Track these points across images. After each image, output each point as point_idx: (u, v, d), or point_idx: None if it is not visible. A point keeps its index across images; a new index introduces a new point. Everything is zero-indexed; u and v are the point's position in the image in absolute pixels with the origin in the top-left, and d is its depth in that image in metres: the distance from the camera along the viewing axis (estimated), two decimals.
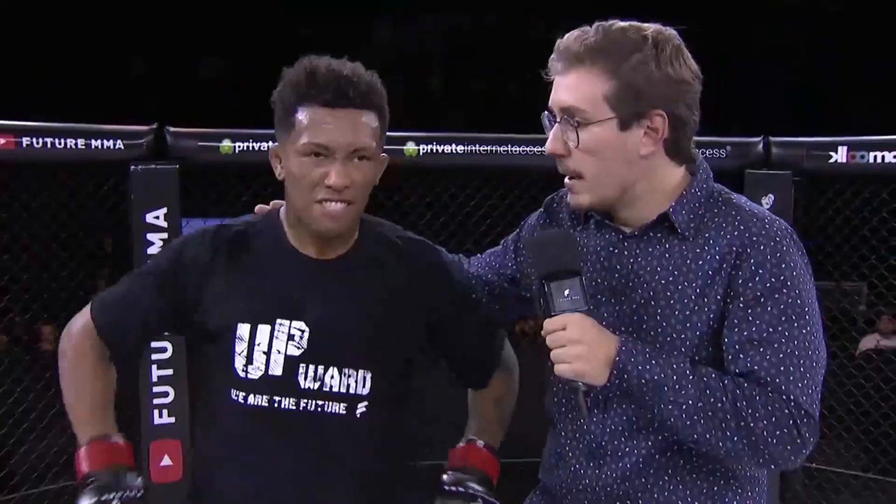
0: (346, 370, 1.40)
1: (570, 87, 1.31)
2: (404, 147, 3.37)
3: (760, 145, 3.57)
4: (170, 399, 3.14)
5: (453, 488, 1.47)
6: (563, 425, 1.45)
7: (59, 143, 2.97)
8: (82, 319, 1.51)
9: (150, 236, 3.08)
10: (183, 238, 1.53)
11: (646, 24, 1.32)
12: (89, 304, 1.52)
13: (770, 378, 1.25)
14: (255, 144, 3.13)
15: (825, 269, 3.74)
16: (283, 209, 1.49)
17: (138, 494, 1.36)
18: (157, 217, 3.09)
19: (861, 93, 9.46)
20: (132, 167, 3.08)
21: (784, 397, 1.24)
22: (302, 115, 1.35)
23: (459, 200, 3.59)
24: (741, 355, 1.27)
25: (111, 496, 1.34)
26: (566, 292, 1.28)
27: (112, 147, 3.07)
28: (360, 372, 1.41)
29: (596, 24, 1.32)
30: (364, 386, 1.41)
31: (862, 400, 3.70)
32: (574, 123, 1.31)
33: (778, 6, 10.17)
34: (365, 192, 1.40)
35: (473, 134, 3.28)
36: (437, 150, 3.37)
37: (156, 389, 3.10)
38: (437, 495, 1.46)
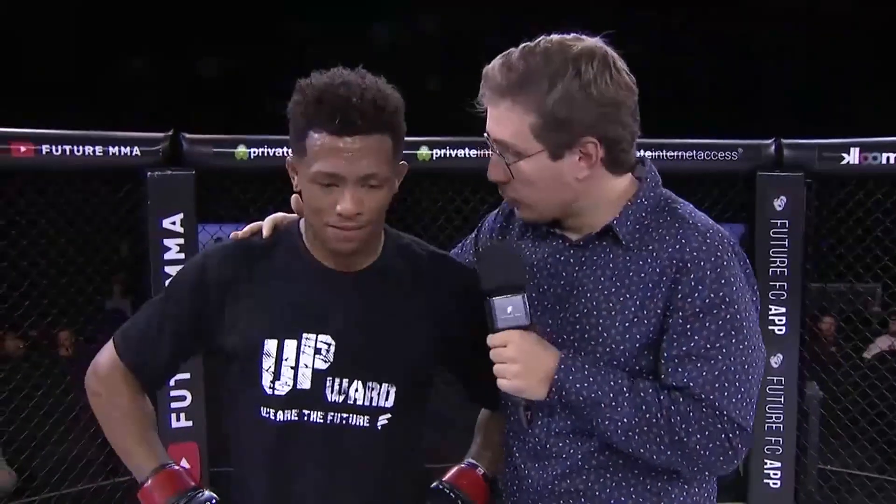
0: (370, 384, 1.40)
1: (498, 120, 1.32)
2: (417, 151, 3.40)
3: (772, 147, 3.57)
4: (187, 403, 3.17)
5: (440, 487, 1.49)
6: (509, 426, 1.47)
7: (78, 151, 3.01)
8: (108, 355, 1.51)
9: (166, 242, 3.12)
10: (202, 257, 1.49)
11: (571, 42, 1.28)
12: (112, 339, 1.52)
13: (705, 395, 1.28)
14: (270, 150, 3.15)
15: (838, 271, 3.74)
16: (302, 221, 1.47)
17: (214, 502, 1.41)
18: (174, 223, 3.13)
19: (864, 93, 9.42)
20: (148, 173, 3.11)
21: (718, 413, 1.27)
22: (311, 141, 1.31)
23: (472, 204, 3.62)
24: (678, 369, 1.29)
25: None
26: (508, 309, 1.30)
27: (129, 154, 3.10)
28: (384, 385, 1.41)
29: (522, 46, 1.30)
30: (387, 399, 1.41)
31: (876, 401, 3.69)
32: (507, 156, 1.32)
33: (779, 7, 10.15)
34: (380, 214, 1.38)
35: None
36: (450, 154, 3.40)
37: (173, 393, 3.13)
38: (426, 497, 1.48)
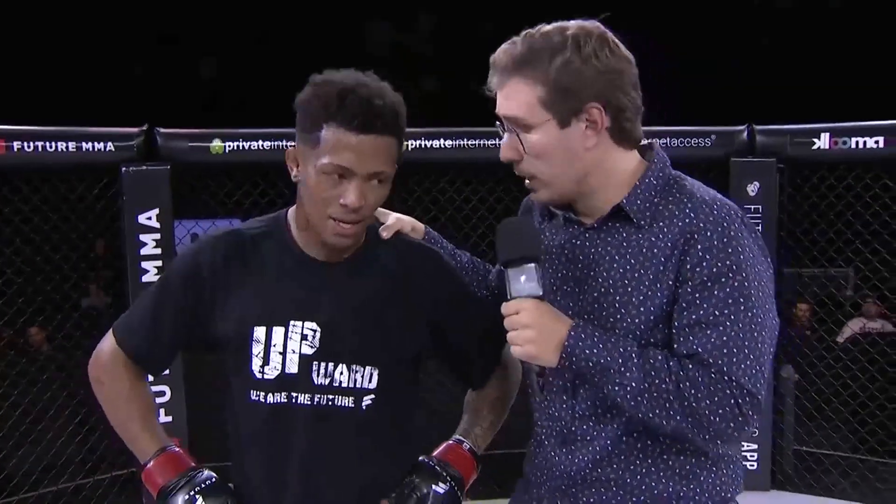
0: (355, 366, 1.47)
1: (507, 98, 1.38)
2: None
3: (745, 133, 3.61)
4: (167, 398, 3.17)
5: (427, 461, 1.54)
6: (538, 414, 1.50)
7: (51, 147, 2.99)
8: (109, 344, 1.56)
9: (142, 237, 3.11)
10: (196, 246, 1.56)
11: (569, 23, 1.37)
12: (112, 329, 1.57)
13: (713, 360, 1.29)
14: (245, 144, 3.12)
15: (811, 255, 3.80)
16: (290, 211, 1.52)
17: (212, 482, 1.48)
18: (150, 218, 3.12)
19: (834, 81, 9.53)
20: (123, 169, 3.10)
21: (726, 378, 1.28)
22: (328, 134, 1.37)
23: (449, 195, 3.63)
24: (689, 337, 1.31)
25: (193, 494, 1.45)
26: (522, 278, 1.34)
27: (103, 149, 3.09)
28: (367, 368, 1.47)
29: (523, 33, 1.38)
30: (371, 381, 1.47)
31: (849, 382, 3.76)
32: (519, 131, 1.37)
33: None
34: (375, 210, 1.46)
35: (464, 129, 3.31)
36: (425, 145, 3.40)
37: (153, 389, 3.12)
38: (412, 470, 1.53)
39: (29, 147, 2.95)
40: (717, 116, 3.99)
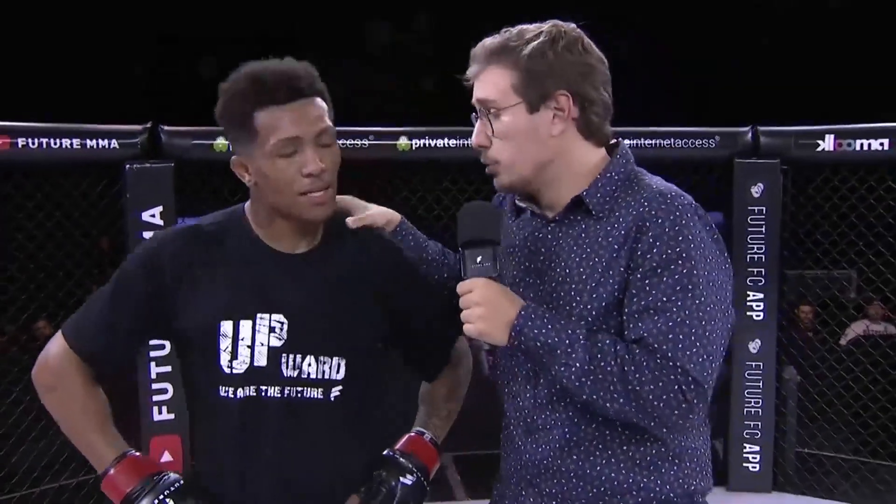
0: (322, 357, 1.47)
1: (482, 83, 1.43)
2: (397, 142, 3.40)
3: (749, 135, 3.61)
4: (168, 396, 3.17)
5: (392, 454, 1.56)
6: (507, 405, 1.53)
7: (55, 144, 2.99)
8: (58, 348, 1.51)
9: (146, 235, 3.10)
10: (154, 242, 1.52)
11: (546, 22, 1.43)
12: (60, 332, 1.52)
13: (658, 345, 1.30)
14: None
15: (814, 257, 3.79)
16: (246, 208, 1.52)
17: (180, 484, 1.45)
18: (153, 215, 3.12)
19: (839, 82, 9.51)
20: (127, 166, 3.10)
21: (671, 363, 1.29)
22: (261, 118, 1.40)
23: (452, 194, 3.63)
24: (637, 323, 1.33)
25: (163, 498, 1.43)
26: (478, 259, 1.37)
27: (107, 146, 3.09)
28: (335, 359, 1.48)
29: (503, 29, 1.45)
30: (338, 372, 1.48)
31: (851, 384, 3.75)
32: (489, 114, 1.42)
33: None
34: (336, 176, 1.47)
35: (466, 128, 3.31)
36: (430, 144, 3.41)
37: (155, 386, 3.13)
38: (379, 465, 1.55)
39: (33, 143, 2.96)
40: (720, 118, 3.99)
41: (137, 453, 1.50)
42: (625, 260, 1.35)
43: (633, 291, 1.34)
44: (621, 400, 1.30)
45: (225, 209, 1.56)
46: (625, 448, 1.40)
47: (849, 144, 3.44)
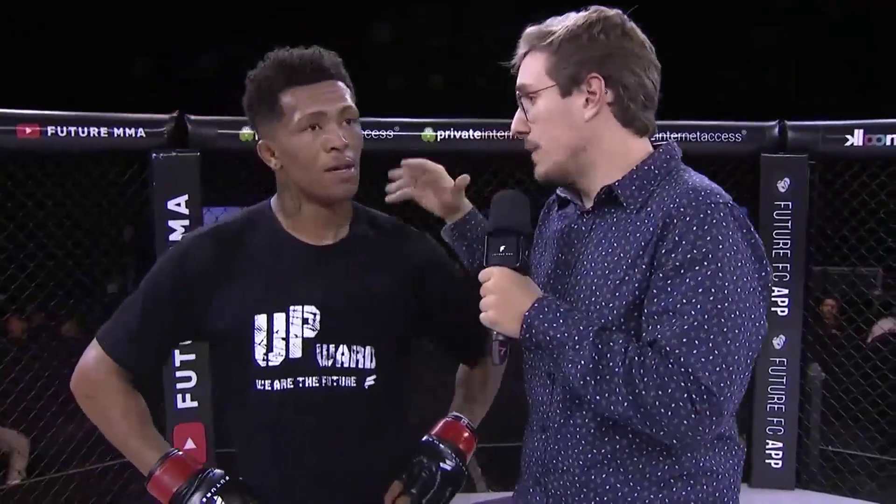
0: (355, 347, 1.49)
1: (523, 69, 1.43)
2: (422, 133, 3.40)
3: (776, 129, 3.57)
4: (192, 384, 3.20)
5: (430, 440, 1.57)
6: (530, 400, 1.51)
7: (83, 132, 3.01)
8: (95, 357, 1.53)
9: (171, 223, 3.13)
10: (181, 247, 1.53)
11: (592, 8, 1.41)
12: (96, 340, 1.54)
13: (671, 348, 1.21)
14: None
15: (841, 253, 3.75)
16: (273, 202, 1.54)
17: (226, 481, 1.47)
18: (179, 204, 3.14)
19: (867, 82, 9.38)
20: (153, 155, 3.13)
21: (682, 369, 1.20)
22: (287, 98, 1.44)
23: (476, 186, 3.63)
24: (655, 325, 1.25)
25: (211, 495, 1.44)
26: (501, 248, 1.36)
27: (134, 135, 3.11)
28: (367, 348, 1.49)
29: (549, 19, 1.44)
30: (371, 361, 1.50)
31: (878, 383, 3.71)
32: (527, 102, 1.42)
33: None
34: (359, 157, 1.49)
35: (491, 120, 3.31)
36: (454, 136, 3.40)
37: (178, 374, 3.16)
38: (418, 451, 1.56)
39: (62, 132, 2.99)
40: (748, 113, 3.95)
41: (180, 452, 1.52)
42: (648, 257, 1.28)
43: (654, 292, 1.26)
44: (625, 404, 1.22)
45: (250, 206, 1.58)
46: (634, 460, 1.33)
47: (879, 139, 3.40)
